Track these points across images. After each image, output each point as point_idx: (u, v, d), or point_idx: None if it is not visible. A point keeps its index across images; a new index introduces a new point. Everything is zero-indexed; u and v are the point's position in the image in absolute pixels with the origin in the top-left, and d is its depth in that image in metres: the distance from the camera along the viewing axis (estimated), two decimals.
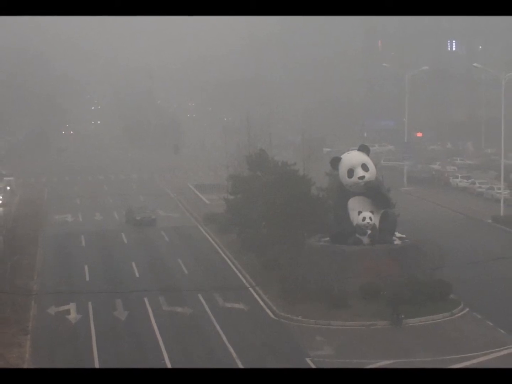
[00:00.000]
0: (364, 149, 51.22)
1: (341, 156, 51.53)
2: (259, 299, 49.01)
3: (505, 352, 39.43)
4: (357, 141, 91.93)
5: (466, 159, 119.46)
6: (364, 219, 49.38)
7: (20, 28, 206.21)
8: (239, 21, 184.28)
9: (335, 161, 50.90)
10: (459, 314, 45.47)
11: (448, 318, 44.86)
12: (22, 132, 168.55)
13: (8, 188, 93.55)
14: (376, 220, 49.69)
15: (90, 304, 48.12)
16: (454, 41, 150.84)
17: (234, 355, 39.26)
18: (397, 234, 51.62)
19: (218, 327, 43.71)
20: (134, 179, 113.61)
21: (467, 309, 46.10)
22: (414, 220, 69.68)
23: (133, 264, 59.27)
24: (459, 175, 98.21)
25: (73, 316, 46.41)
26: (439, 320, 44.46)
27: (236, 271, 56.58)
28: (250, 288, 51.20)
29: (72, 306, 47.91)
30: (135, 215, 76.17)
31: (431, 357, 38.48)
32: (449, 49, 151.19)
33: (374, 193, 49.89)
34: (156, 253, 63.65)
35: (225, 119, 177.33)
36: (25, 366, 38.03)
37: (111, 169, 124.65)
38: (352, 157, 50.69)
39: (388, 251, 49.16)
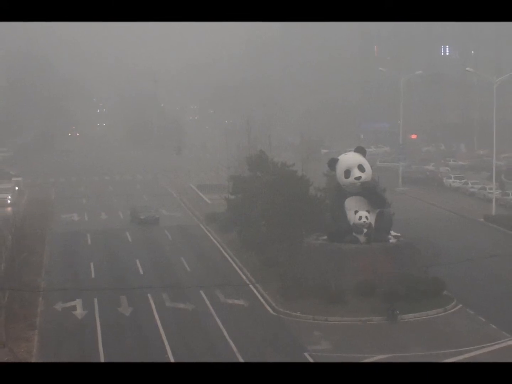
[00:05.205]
0: (360, 150, 51.79)
1: (338, 157, 52.01)
2: (259, 296, 49.68)
3: (497, 346, 40.13)
4: (354, 143, 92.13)
5: (459, 160, 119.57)
6: (360, 218, 49.93)
7: (27, 32, 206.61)
8: (240, 26, 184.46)
9: (333, 162, 51.50)
10: (453, 310, 46.16)
11: (442, 314, 45.54)
12: (29, 134, 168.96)
13: (17, 188, 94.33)
14: (372, 219, 50.21)
15: (95, 300, 48.79)
16: (447, 46, 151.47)
17: (235, 349, 39.89)
18: (393, 233, 52.15)
19: (219, 323, 44.34)
20: (138, 180, 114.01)
21: (460, 305, 46.78)
22: (409, 219, 70.30)
23: (137, 261, 60.01)
24: (452, 176, 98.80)
25: (79, 312, 47.08)
26: (433, 316, 45.11)
27: (237, 269, 57.20)
28: (250, 285, 51.77)
29: (78, 302, 48.63)
30: (139, 214, 76.91)
31: (426, 351, 39.12)
32: (442, 54, 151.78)
33: (370, 193, 50.42)
34: (159, 251, 64.29)
35: (226, 121, 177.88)
36: (33, 360, 38.54)
37: (116, 169, 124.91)
38: (349, 158, 51.28)
39: (384, 249, 49.75)
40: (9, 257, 51.58)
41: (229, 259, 60.71)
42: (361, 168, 50.59)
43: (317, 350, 39.85)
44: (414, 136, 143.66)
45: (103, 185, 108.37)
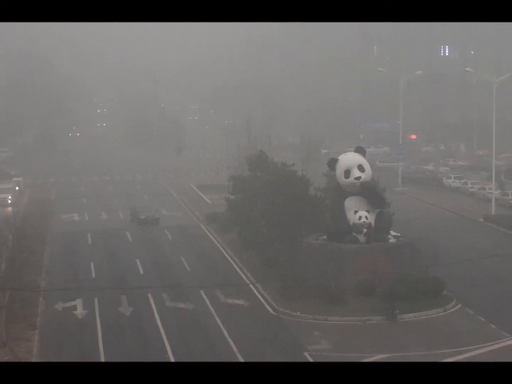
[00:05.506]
0: (360, 150, 51.90)
1: (338, 157, 52.10)
2: (259, 295, 49.80)
3: (497, 346, 40.21)
4: (354, 143, 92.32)
5: (459, 160, 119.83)
6: (360, 218, 50.00)
7: (27, 32, 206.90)
8: (240, 26, 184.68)
9: (332, 162, 51.61)
10: (452, 310, 46.28)
11: (442, 313, 45.65)
12: (29, 134, 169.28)
13: (17, 188, 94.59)
14: (371, 219, 50.29)
15: (96, 300, 48.93)
16: (447, 47, 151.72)
17: (235, 349, 39.98)
18: (392, 233, 52.25)
19: (219, 322, 44.44)
20: (138, 180, 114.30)
21: (460, 305, 46.91)
22: (408, 219, 70.42)
23: (138, 261, 60.14)
24: (452, 176, 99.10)
25: (79, 311, 47.21)
26: (433, 316, 45.24)
27: (237, 269, 57.32)
28: (250, 285, 51.89)
29: (78, 302, 48.76)
30: (139, 214, 77.10)
31: (425, 351, 39.20)
32: (442, 54, 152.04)
33: (370, 193, 50.52)
34: (159, 251, 64.42)
35: (226, 121, 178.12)
36: (33, 359, 38.66)
37: (116, 169, 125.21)
38: (349, 158, 51.40)
39: (384, 249, 49.83)
40: (10, 257, 51.72)
41: (229, 259, 60.83)
42: (360, 168, 50.71)
43: (317, 350, 39.91)
44: (413, 136, 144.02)
45: (103, 185, 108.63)
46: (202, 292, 50.24)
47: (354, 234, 50.31)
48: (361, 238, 50.25)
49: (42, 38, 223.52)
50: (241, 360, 38.28)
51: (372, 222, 50.45)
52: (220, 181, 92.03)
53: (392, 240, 51.43)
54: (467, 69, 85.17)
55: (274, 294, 48.96)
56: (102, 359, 38.86)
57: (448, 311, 46.19)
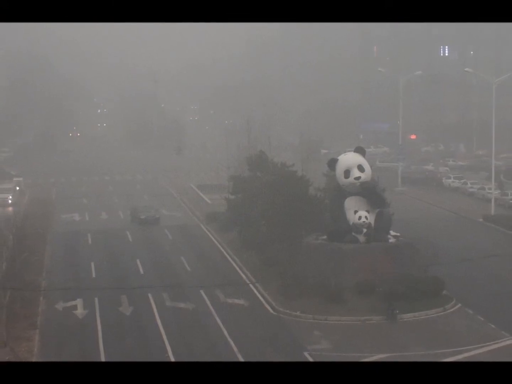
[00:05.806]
0: (360, 150, 52.02)
1: (338, 158, 52.21)
2: (259, 295, 49.84)
3: (496, 346, 40.24)
4: (354, 143, 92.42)
5: (458, 160, 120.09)
6: (360, 218, 50.04)
7: (27, 32, 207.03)
8: (240, 26, 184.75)
9: (332, 162, 51.74)
10: (452, 310, 46.33)
11: (441, 313, 45.70)
12: (29, 134, 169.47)
13: (18, 188, 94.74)
14: (371, 219, 50.32)
15: (96, 300, 49.00)
16: (446, 47, 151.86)
17: (235, 349, 40.01)
18: (392, 233, 52.26)
19: (219, 322, 44.49)
20: (138, 180, 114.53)
21: (459, 304, 46.96)
22: (408, 219, 70.45)
23: (138, 261, 60.21)
24: (452, 176, 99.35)
25: (80, 311, 47.27)
26: (433, 315, 45.28)
27: (237, 268, 57.38)
28: (250, 285, 51.95)
29: (79, 302, 48.82)
30: (139, 214, 77.24)
31: (425, 351, 39.22)
32: (441, 54, 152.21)
33: (370, 193, 50.59)
34: (159, 251, 64.51)
35: (226, 121, 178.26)
36: (34, 359, 38.65)
37: (116, 169, 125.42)
38: (349, 158, 51.51)
39: (383, 249, 49.88)
40: (10, 256, 51.87)
41: (229, 258, 60.89)
42: (360, 168, 50.81)
43: (317, 350, 39.96)
44: (413, 136, 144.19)
45: (104, 185, 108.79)
46: (202, 292, 50.29)
47: (354, 234, 50.36)
48: (361, 238, 50.29)
49: (42, 38, 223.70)
50: (241, 359, 38.22)
51: (372, 222, 50.49)
52: (220, 181, 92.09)
53: (392, 240, 51.46)
54: (467, 69, 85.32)
55: (274, 294, 49.01)
56: (102, 359, 38.84)
57: (447, 311, 46.24)
